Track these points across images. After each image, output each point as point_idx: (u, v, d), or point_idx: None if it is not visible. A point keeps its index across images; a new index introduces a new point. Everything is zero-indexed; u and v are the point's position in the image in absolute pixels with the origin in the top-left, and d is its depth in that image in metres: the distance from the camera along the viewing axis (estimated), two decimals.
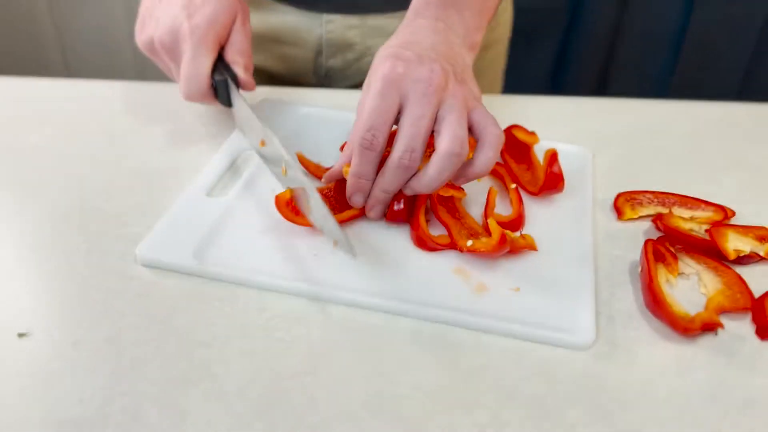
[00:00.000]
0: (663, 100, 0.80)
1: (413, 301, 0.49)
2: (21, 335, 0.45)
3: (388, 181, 0.53)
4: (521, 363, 0.46)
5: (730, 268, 0.53)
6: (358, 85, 0.87)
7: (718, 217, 0.58)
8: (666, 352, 0.47)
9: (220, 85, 0.63)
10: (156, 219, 0.56)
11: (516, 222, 0.57)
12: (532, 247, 0.54)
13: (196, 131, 0.69)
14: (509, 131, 0.65)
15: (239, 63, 0.64)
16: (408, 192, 0.54)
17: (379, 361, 0.45)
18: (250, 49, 0.66)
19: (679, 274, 0.54)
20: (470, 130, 0.53)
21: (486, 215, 0.57)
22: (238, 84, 0.64)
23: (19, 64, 1.74)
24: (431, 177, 0.52)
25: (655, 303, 0.49)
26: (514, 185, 0.60)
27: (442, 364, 0.45)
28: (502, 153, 0.65)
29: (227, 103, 0.65)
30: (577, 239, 0.56)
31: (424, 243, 0.55)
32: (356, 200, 0.55)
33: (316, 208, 0.52)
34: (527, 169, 0.64)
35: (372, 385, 0.44)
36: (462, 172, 0.54)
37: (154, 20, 0.64)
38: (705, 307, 0.51)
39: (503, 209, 0.59)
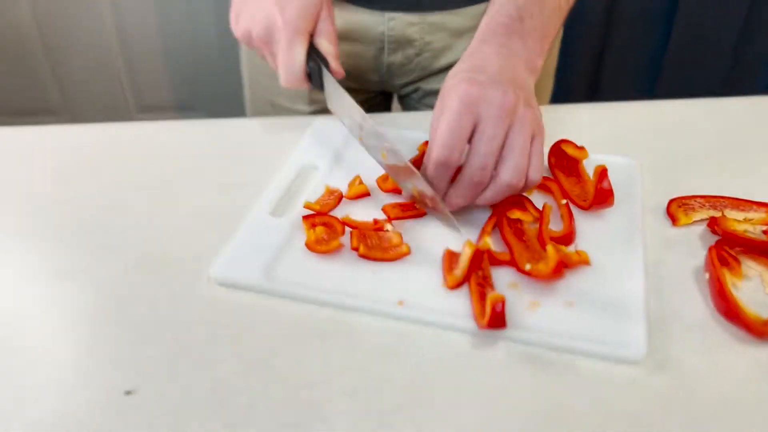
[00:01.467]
0: (692, 99, 0.82)
1: (464, 316, 0.52)
2: (128, 393, 0.46)
3: (460, 194, 0.58)
4: (613, 382, 0.47)
5: None
6: (417, 80, 0.92)
7: None
8: (746, 357, 0.49)
9: (314, 71, 0.69)
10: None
11: (567, 237, 0.59)
12: (585, 263, 0.56)
13: (247, 164, 0.70)
14: (558, 146, 0.66)
15: (330, 52, 0.71)
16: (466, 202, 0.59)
17: (477, 387, 0.47)
18: (336, 36, 0.72)
19: (743, 276, 0.56)
20: None
21: (541, 233, 0.58)
22: (328, 70, 0.70)
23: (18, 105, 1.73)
24: (487, 199, 0.59)
25: (729, 309, 0.51)
26: (564, 201, 0.62)
27: (539, 387, 0.47)
28: (551, 167, 0.67)
29: (320, 87, 0.71)
30: (627, 252, 0.58)
31: (489, 258, 0.57)
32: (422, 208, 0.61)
33: (425, 189, 0.60)
34: (577, 183, 0.65)
35: (478, 411, 0.45)
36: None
37: (249, 14, 0.70)
38: None
39: (555, 224, 0.61)
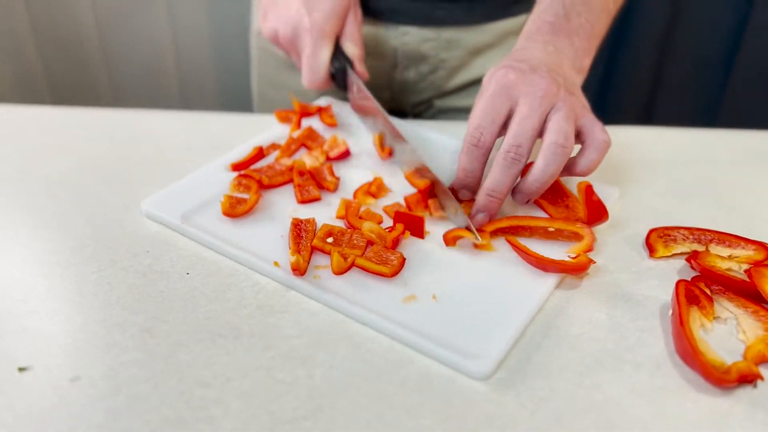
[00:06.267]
0: (703, 129, 0.76)
1: (352, 302, 0.50)
2: (21, 369, 0.45)
3: (495, 178, 0.55)
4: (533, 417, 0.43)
5: None
6: (429, 99, 0.89)
7: (759, 256, 0.54)
8: (698, 405, 0.43)
9: (338, 72, 0.70)
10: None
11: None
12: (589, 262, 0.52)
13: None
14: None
15: (356, 55, 0.71)
16: (519, 199, 0.57)
17: (383, 406, 0.43)
18: (362, 38, 0.73)
19: (714, 318, 0.50)
20: (578, 136, 0.56)
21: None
22: (353, 71, 0.71)
23: (69, 92, 1.80)
24: (539, 170, 0.54)
25: (686, 350, 0.45)
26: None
27: (451, 411, 0.42)
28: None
29: (343, 87, 0.72)
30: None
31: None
32: (462, 195, 0.59)
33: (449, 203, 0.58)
34: (565, 207, 0.60)
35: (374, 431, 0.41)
36: (566, 171, 0.57)
37: (277, 13, 0.71)
38: (743, 355, 0.47)
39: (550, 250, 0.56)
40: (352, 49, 0.71)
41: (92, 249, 0.56)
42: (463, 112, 0.88)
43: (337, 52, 0.70)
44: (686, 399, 0.44)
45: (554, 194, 0.61)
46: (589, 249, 0.55)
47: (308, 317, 0.50)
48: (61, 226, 0.59)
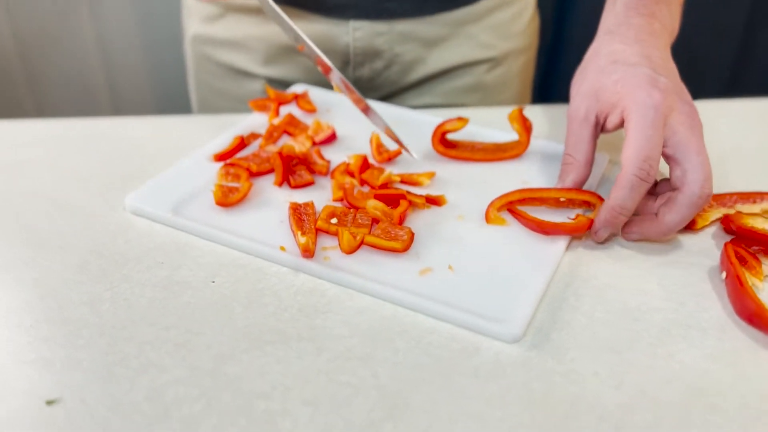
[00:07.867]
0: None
1: (362, 275, 0.49)
2: (50, 402, 0.39)
3: (680, 216, 0.51)
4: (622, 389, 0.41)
5: None
6: (386, 97, 0.84)
7: None
8: None
9: None
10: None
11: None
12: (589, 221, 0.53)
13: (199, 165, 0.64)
14: (441, 129, 0.64)
15: None
16: (633, 238, 0.54)
17: (462, 398, 0.40)
18: None
19: (764, 276, 0.49)
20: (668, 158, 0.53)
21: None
22: None
23: None
24: (675, 224, 0.51)
25: (751, 311, 0.44)
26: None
27: (532, 397, 0.40)
28: (444, 153, 0.65)
29: None
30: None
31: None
32: (602, 234, 0.53)
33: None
34: (487, 146, 0.65)
35: (461, 427, 0.38)
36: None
37: None
38: None
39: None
40: None
41: (98, 265, 0.51)
42: (421, 110, 0.85)
43: None
44: (760, 358, 0.43)
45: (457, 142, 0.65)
46: None
47: (355, 315, 0.46)
48: (59, 244, 0.53)
